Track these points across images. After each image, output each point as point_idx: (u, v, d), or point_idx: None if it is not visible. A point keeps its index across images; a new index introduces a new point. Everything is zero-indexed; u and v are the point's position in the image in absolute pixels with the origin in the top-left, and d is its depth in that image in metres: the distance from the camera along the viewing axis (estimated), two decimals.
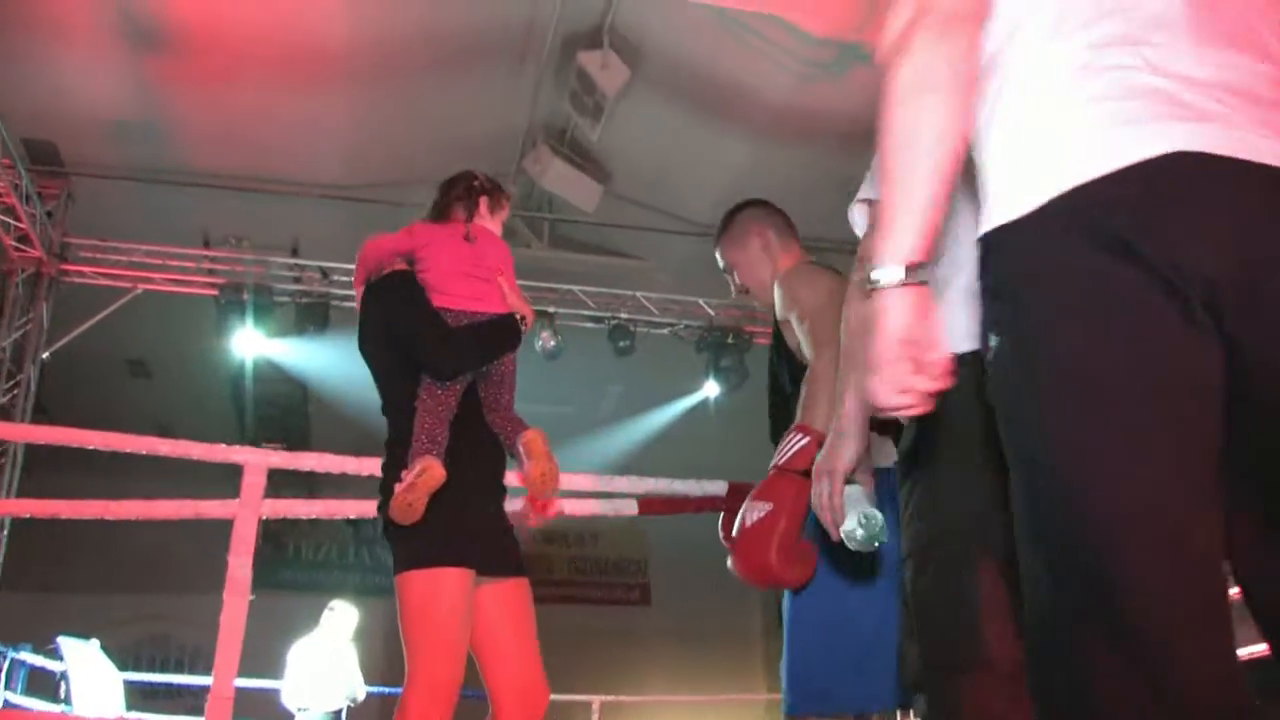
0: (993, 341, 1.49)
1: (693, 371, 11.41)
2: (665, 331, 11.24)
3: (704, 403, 11.64)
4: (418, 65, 8.95)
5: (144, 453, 3.19)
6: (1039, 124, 1.47)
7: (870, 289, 1.48)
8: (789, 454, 2.78)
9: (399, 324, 2.87)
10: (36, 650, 7.27)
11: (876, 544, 2.19)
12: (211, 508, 3.20)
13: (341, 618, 8.27)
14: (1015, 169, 1.48)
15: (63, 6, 8.36)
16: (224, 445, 3.31)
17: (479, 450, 2.77)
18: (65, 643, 7.21)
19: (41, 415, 11.07)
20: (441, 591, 2.64)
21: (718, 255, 3.44)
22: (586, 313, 11.14)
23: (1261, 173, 1.33)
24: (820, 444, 2.41)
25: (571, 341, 10.95)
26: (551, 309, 10.87)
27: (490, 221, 3.09)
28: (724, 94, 9.53)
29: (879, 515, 2.16)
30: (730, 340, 11.12)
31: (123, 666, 8.19)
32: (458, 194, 3.09)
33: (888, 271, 1.46)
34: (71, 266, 10.10)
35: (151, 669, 14.62)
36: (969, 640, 1.94)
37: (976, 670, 1.92)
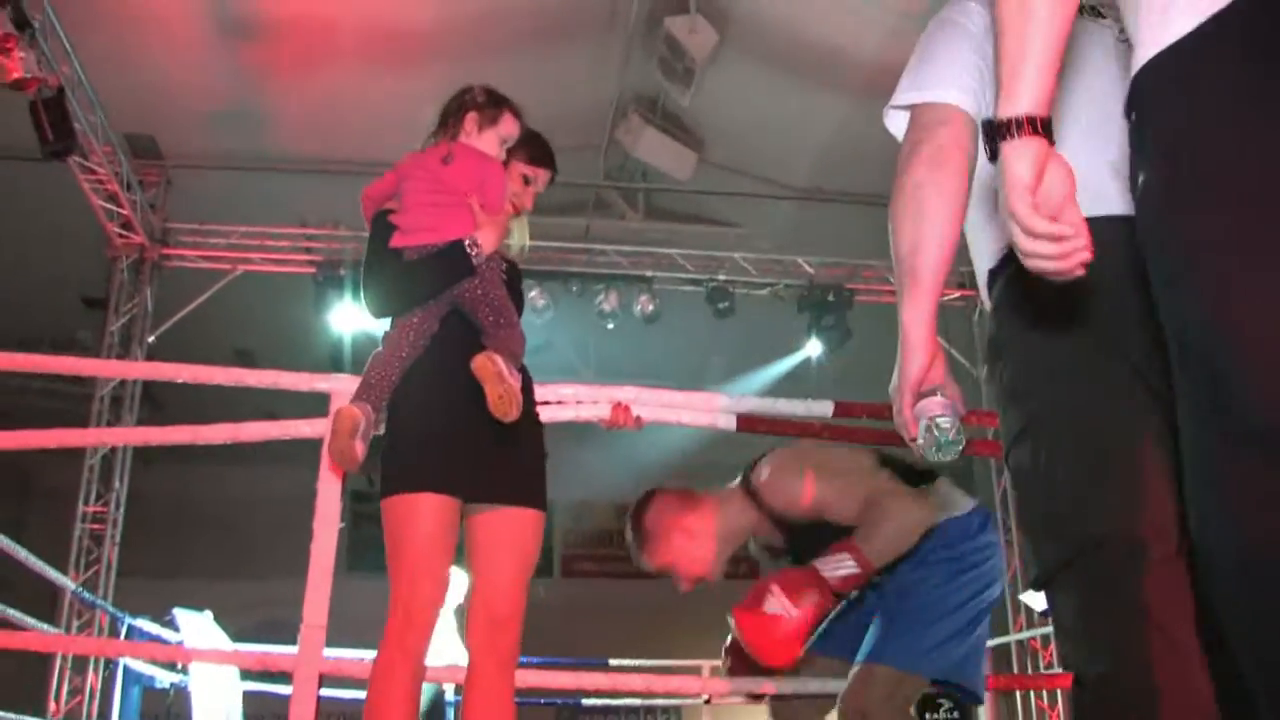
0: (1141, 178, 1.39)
1: (794, 332, 11.25)
2: (765, 292, 11.10)
3: (806, 362, 11.48)
4: (505, 41, 8.93)
5: (227, 384, 3.11)
6: None
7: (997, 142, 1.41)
8: (837, 573, 2.93)
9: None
10: (154, 620, 7.37)
11: (950, 454, 2.04)
12: (298, 427, 3.14)
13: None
14: None
15: (156, 1, 8.49)
16: (309, 374, 3.23)
17: (468, 378, 2.64)
18: (180, 614, 7.29)
19: (151, 404, 11.28)
20: (411, 518, 2.60)
21: (649, 565, 3.43)
22: (684, 275, 11.03)
23: None
24: (865, 578, 2.96)
25: (670, 306, 10.87)
26: (649, 274, 10.80)
27: (480, 139, 2.87)
28: (814, 53, 9.38)
29: (949, 421, 2.00)
30: (831, 298, 10.94)
31: None
32: (446, 111, 2.93)
33: (1012, 124, 1.39)
34: (173, 251, 10.29)
35: None
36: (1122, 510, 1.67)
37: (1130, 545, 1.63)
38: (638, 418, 3.39)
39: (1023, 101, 1.39)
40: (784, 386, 11.95)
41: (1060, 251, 1.38)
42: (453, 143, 2.87)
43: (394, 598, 2.59)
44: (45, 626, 6.53)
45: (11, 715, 6.78)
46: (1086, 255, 1.38)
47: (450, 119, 2.91)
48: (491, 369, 2.58)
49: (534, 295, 10.45)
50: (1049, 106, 1.40)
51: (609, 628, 14.73)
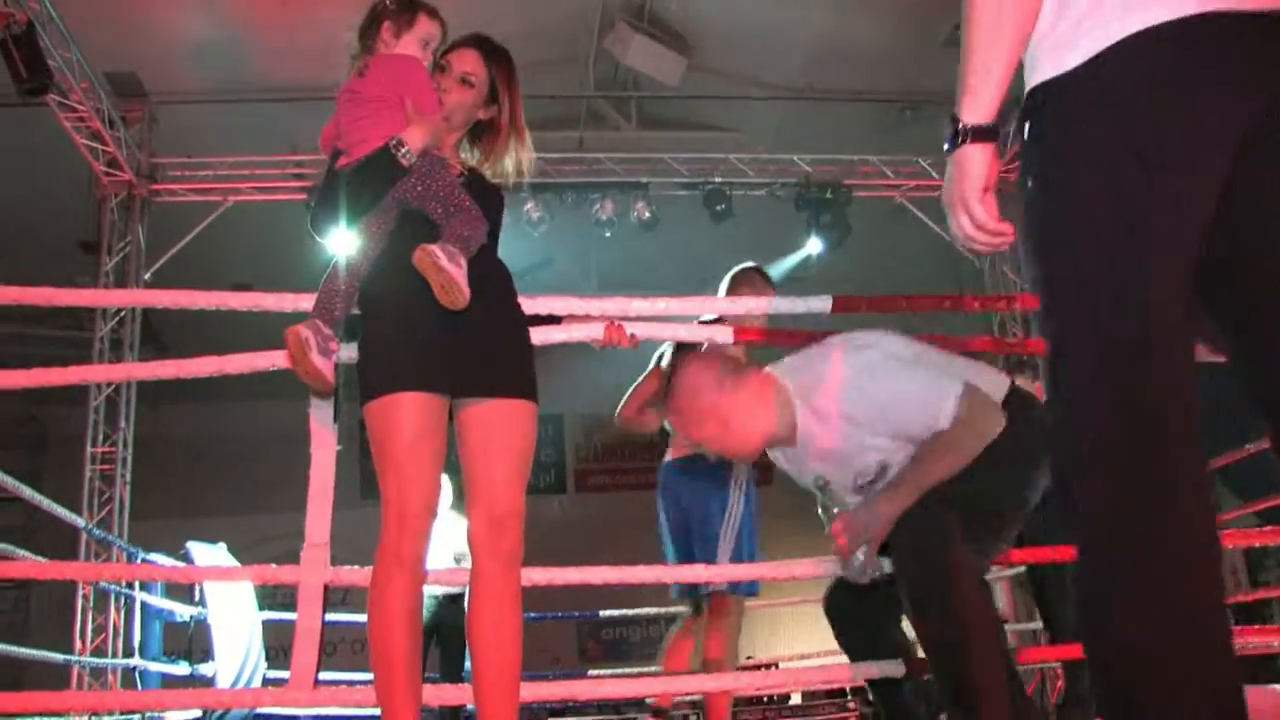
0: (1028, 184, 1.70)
1: (794, 231, 11.16)
2: (762, 193, 11.01)
3: (806, 260, 11.39)
4: None
5: (209, 308, 3.09)
6: None
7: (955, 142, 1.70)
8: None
9: None
10: (169, 555, 7.40)
11: None
12: (279, 356, 3.10)
13: None
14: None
15: None
16: (293, 294, 3.18)
17: None
18: (194, 547, 7.32)
19: (155, 342, 11.26)
20: (393, 420, 2.55)
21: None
22: (680, 180, 10.93)
23: None
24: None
25: (667, 212, 10.79)
26: (644, 179, 10.71)
27: (399, 45, 2.79)
28: None
29: None
30: (829, 195, 10.84)
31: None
32: (362, 29, 2.84)
33: (968, 128, 1.68)
34: (162, 186, 10.21)
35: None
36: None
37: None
38: (632, 335, 3.30)
39: (985, 110, 1.68)
40: (786, 287, 11.87)
41: (996, 243, 1.76)
42: (366, 56, 2.80)
43: (385, 505, 2.55)
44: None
45: (42, 651, 6.87)
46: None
47: (366, 35, 2.83)
48: (428, 261, 2.52)
49: (529, 208, 10.37)
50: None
51: (626, 541, 14.79)
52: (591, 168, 10.81)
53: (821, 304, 3.54)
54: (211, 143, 10.26)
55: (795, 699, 10.48)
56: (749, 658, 12.92)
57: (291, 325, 2.65)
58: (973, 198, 1.70)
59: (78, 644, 8.66)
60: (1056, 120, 1.63)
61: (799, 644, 12.30)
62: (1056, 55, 1.62)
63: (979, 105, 1.66)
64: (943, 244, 11.38)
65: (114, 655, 8.42)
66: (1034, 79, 1.66)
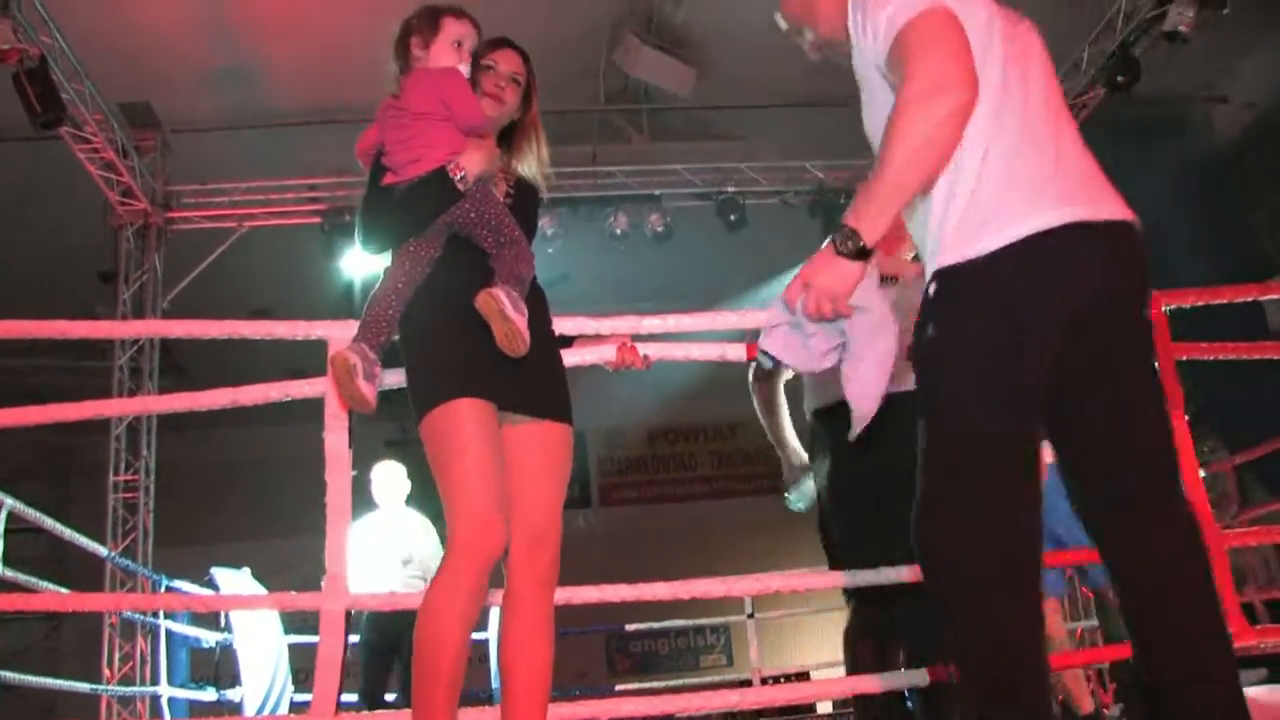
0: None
1: (808, 239, 11.13)
2: (775, 201, 10.99)
3: None
4: None
5: (220, 336, 3.07)
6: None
7: (844, 244, 2.12)
8: None
9: None
10: (193, 582, 7.43)
11: None
12: (300, 387, 3.10)
13: (384, 481, 6.92)
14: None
15: None
16: (305, 322, 3.18)
17: (478, 292, 2.56)
18: (219, 572, 7.35)
19: (174, 369, 11.30)
20: (455, 422, 2.52)
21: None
22: (693, 191, 10.93)
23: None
24: None
25: (681, 223, 10.79)
26: (658, 192, 10.71)
27: (431, 56, 2.77)
28: None
29: None
30: (843, 201, 10.80)
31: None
32: (396, 49, 2.83)
33: (861, 248, 2.12)
34: (177, 214, 10.25)
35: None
36: None
37: None
38: (645, 356, 3.26)
39: (878, 236, 2.12)
40: None
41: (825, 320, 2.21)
42: (401, 76, 2.79)
43: (451, 513, 2.49)
44: None
45: (70, 682, 6.91)
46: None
47: (400, 55, 2.83)
48: (494, 306, 2.52)
49: (543, 224, 10.37)
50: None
51: (652, 555, 14.81)
52: (604, 181, 10.81)
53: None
54: (226, 169, 10.31)
55: (824, 707, 10.42)
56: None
57: (338, 350, 2.65)
58: (843, 297, 2.16)
59: (106, 673, 8.68)
60: (960, 294, 2.18)
61: (825, 653, 12.25)
62: (961, 247, 2.17)
63: (876, 231, 2.11)
64: None
65: (142, 683, 8.43)
66: (944, 260, 2.20)
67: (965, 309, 2.18)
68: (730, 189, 10.86)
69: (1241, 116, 12.07)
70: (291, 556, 13.91)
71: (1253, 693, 3.13)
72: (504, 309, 2.52)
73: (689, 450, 17.68)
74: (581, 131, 11.09)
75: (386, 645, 6.58)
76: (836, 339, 2.29)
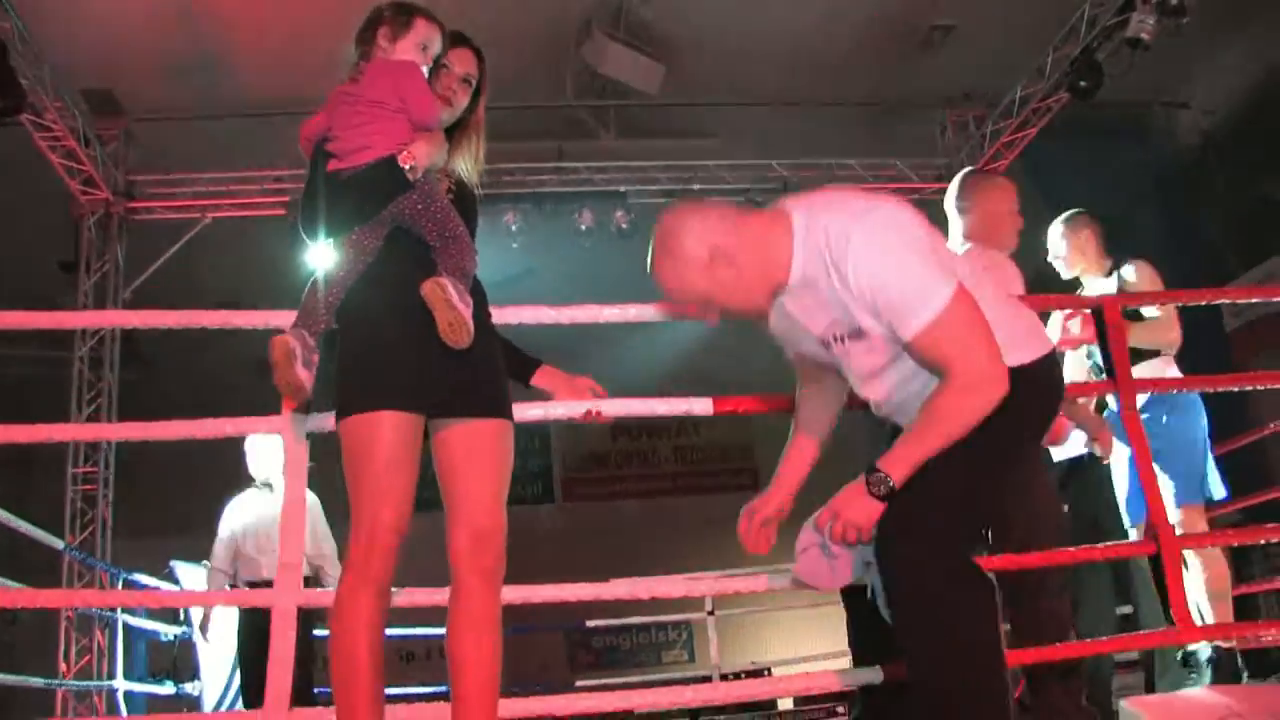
0: None
1: None
2: (741, 199, 11.01)
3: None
4: None
5: (178, 327, 3.09)
6: None
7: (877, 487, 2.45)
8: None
9: None
10: (153, 575, 7.39)
11: None
12: (254, 424, 3.12)
13: (260, 452, 6.50)
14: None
15: None
16: (264, 311, 3.18)
17: (417, 290, 2.57)
18: (179, 567, 7.30)
19: (136, 358, 11.20)
20: (371, 438, 2.55)
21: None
22: (658, 188, 10.94)
23: None
24: None
25: (647, 221, 10.78)
26: (623, 188, 10.72)
27: (396, 50, 2.75)
28: None
29: None
30: None
31: None
32: (359, 35, 2.81)
33: (891, 490, 2.46)
34: (140, 204, 10.17)
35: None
36: None
37: None
38: (597, 413, 3.32)
39: (900, 478, 2.43)
40: None
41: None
42: (361, 63, 2.77)
43: (356, 522, 2.54)
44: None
45: (24, 677, 6.84)
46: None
47: (364, 41, 2.80)
48: (440, 295, 2.53)
49: (508, 218, 10.35)
50: None
51: (613, 551, 14.81)
52: (570, 177, 10.81)
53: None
54: (189, 159, 10.22)
55: (786, 704, 10.46)
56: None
57: (277, 335, 2.64)
58: (867, 528, 2.46)
59: (62, 667, 8.61)
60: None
61: (785, 649, 12.31)
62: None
63: (904, 479, 2.43)
64: None
65: (99, 677, 8.38)
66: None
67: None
68: (696, 186, 10.88)
69: (1201, 122, 12.19)
70: None
71: (1192, 693, 3.17)
72: (450, 298, 2.53)
73: (652, 446, 17.69)
74: (548, 127, 11.08)
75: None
76: (860, 555, 2.65)
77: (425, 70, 2.78)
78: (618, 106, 10.99)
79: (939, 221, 9.16)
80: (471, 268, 2.72)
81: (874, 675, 3.18)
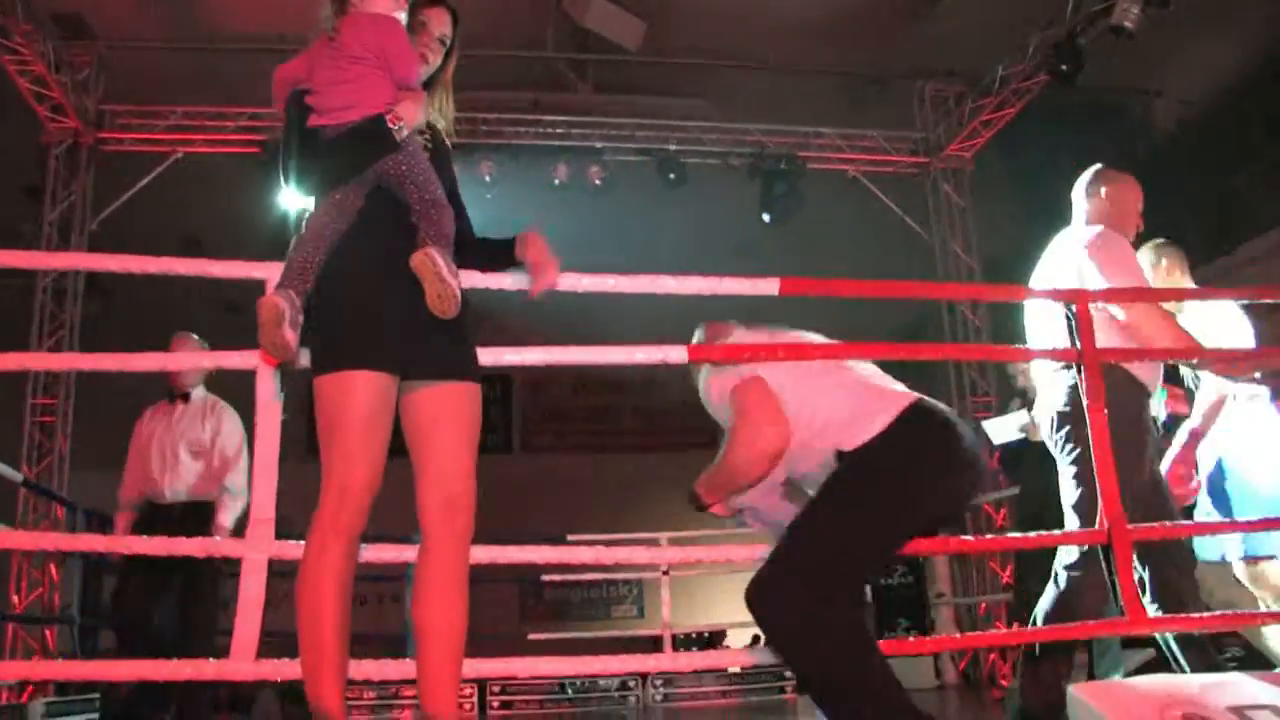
0: None
1: (746, 201, 11.16)
2: (716, 162, 11.01)
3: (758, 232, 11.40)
4: None
5: (158, 273, 3.04)
6: None
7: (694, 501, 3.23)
8: None
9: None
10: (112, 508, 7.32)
11: None
12: (230, 358, 3.08)
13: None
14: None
15: None
16: (245, 262, 3.15)
17: (398, 254, 2.59)
18: None
19: (100, 293, 11.09)
20: (347, 396, 2.55)
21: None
22: (634, 146, 10.93)
23: None
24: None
25: (621, 179, 10.78)
26: (599, 144, 10.70)
27: (373, 3, 2.72)
28: None
29: None
30: (783, 166, 10.85)
31: None
32: None
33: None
34: (110, 134, 10.01)
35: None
36: None
37: None
38: None
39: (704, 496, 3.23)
40: (734, 261, 11.78)
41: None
42: (338, 18, 2.73)
43: (327, 477, 2.54)
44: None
45: None
46: None
47: None
48: (431, 268, 2.54)
49: (481, 170, 10.29)
50: None
51: (570, 504, 14.85)
52: (547, 131, 10.76)
53: (768, 286, 3.48)
54: (160, 92, 10.09)
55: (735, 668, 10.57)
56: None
57: (268, 295, 2.62)
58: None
59: (15, 600, 8.56)
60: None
61: (738, 612, 12.42)
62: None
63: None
64: (895, 219, 11.47)
65: (53, 611, 8.34)
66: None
67: None
68: (672, 147, 10.87)
69: (1177, 112, 12.28)
70: None
71: (1137, 681, 3.23)
72: (440, 270, 2.54)
73: (612, 402, 17.74)
74: (525, 76, 11.01)
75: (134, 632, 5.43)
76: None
77: (403, 17, 2.76)
78: (596, 61, 10.92)
79: (902, 190, 9.18)
80: (451, 231, 2.71)
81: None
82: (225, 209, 11.03)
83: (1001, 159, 11.69)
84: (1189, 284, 4.61)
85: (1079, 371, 3.42)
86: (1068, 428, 3.64)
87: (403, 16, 2.77)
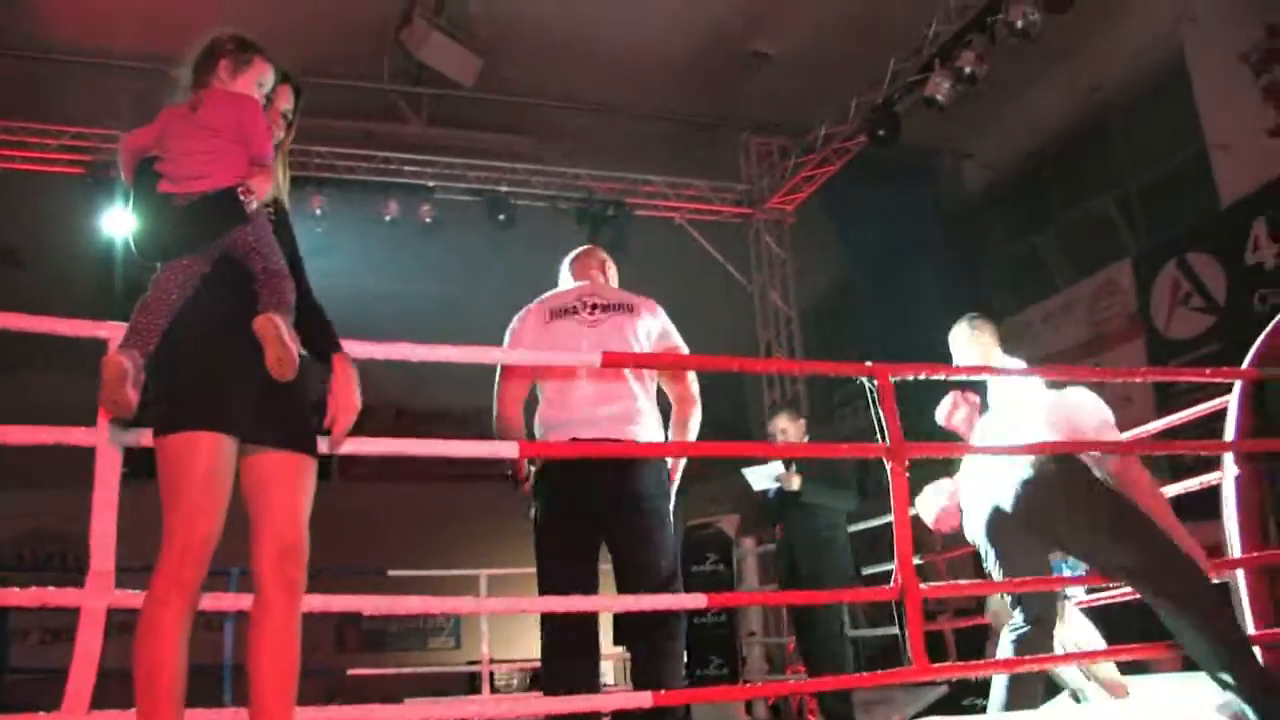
0: None
1: (573, 244, 11.32)
2: (545, 205, 11.19)
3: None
4: None
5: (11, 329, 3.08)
6: None
7: None
8: None
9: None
10: None
11: None
12: (71, 434, 3.15)
13: None
14: None
15: None
16: (90, 321, 3.22)
17: (241, 319, 2.71)
18: None
19: None
20: (190, 456, 2.65)
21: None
22: (465, 185, 11.05)
23: None
24: None
25: (451, 218, 10.87)
26: (431, 183, 10.78)
27: (234, 83, 2.90)
28: None
29: None
30: (611, 212, 11.11)
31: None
32: (198, 63, 2.92)
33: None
34: None
35: (35, 567, 14.54)
36: None
37: None
38: None
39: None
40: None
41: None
42: (199, 90, 2.88)
43: (169, 533, 2.62)
44: None
45: None
46: None
47: (203, 69, 2.91)
48: (273, 331, 2.67)
49: (312, 204, 10.25)
50: None
51: (389, 533, 14.82)
52: (379, 166, 10.82)
53: (592, 359, 3.76)
54: None
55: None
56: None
57: (112, 354, 2.69)
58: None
59: None
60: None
61: None
62: None
63: None
64: (718, 267, 11.81)
65: None
66: None
67: None
68: (504, 189, 11.04)
69: (985, 175, 12.93)
70: (23, 507, 13.45)
71: None
72: (281, 334, 2.68)
73: (435, 433, 17.63)
74: (359, 107, 11.01)
75: None
76: None
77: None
78: (432, 95, 10.99)
79: (725, 239, 9.40)
80: (291, 300, 2.84)
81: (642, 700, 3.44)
82: (45, 225, 10.77)
83: (820, 211, 12.13)
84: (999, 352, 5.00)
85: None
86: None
87: (261, 99, 2.92)
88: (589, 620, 3.90)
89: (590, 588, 3.89)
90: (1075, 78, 10.91)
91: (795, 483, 6.34)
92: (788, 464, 6.40)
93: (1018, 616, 4.05)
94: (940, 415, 4.85)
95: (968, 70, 8.71)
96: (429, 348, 3.46)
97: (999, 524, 4.22)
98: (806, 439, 6.76)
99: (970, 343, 4.89)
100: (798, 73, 10.51)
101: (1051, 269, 12.23)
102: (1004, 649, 4.07)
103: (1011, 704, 3.95)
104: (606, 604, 4.06)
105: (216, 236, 2.78)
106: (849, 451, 4.11)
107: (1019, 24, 8.22)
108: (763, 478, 6.51)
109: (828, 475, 6.37)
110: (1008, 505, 4.17)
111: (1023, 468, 4.17)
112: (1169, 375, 8.04)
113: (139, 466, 3.03)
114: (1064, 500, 4.08)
